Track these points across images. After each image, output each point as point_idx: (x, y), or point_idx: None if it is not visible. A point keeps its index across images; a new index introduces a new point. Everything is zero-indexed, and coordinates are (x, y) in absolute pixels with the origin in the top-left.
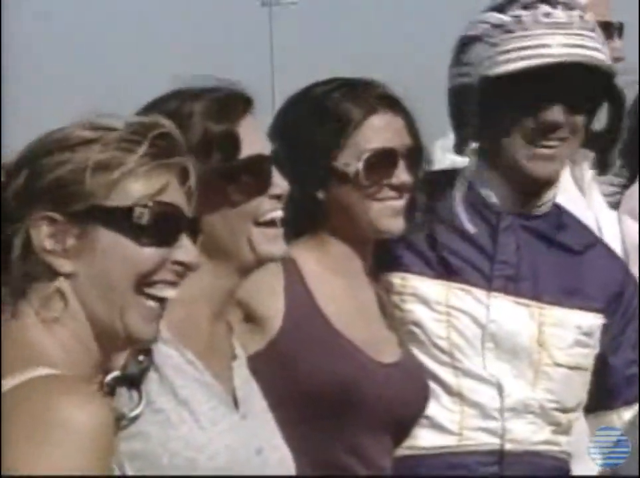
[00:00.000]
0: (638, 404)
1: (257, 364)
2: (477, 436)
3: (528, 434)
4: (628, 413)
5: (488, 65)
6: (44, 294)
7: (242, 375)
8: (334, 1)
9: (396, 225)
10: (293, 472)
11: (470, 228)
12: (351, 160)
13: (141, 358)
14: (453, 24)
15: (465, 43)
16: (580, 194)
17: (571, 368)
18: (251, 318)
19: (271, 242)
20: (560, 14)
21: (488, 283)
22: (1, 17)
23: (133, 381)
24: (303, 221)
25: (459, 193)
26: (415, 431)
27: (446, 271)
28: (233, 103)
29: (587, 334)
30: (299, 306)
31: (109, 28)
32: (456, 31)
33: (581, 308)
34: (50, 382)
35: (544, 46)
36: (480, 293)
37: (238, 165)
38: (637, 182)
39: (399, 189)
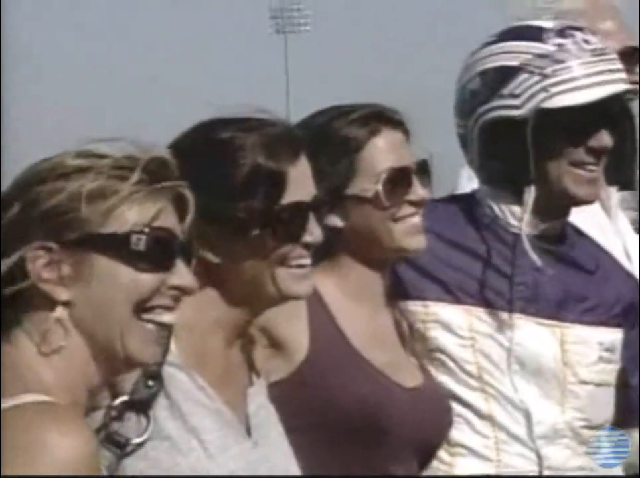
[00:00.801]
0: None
1: (283, 391)
2: (515, 463)
3: (564, 460)
4: None
5: (544, 96)
6: (44, 327)
7: (257, 402)
8: (347, 25)
9: (419, 242)
10: None
11: (536, 259)
12: (367, 185)
13: (150, 383)
14: (469, 49)
15: (504, 74)
16: (607, 218)
17: (596, 385)
18: (275, 344)
19: (297, 282)
20: (593, 40)
21: (509, 305)
22: (1, 17)
23: (142, 406)
24: (321, 248)
25: (525, 227)
26: (453, 461)
27: (466, 295)
28: (287, 141)
29: (610, 350)
30: (323, 331)
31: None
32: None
33: (601, 324)
34: (38, 409)
35: (598, 73)
36: (502, 315)
37: (279, 210)
38: None
39: (418, 205)
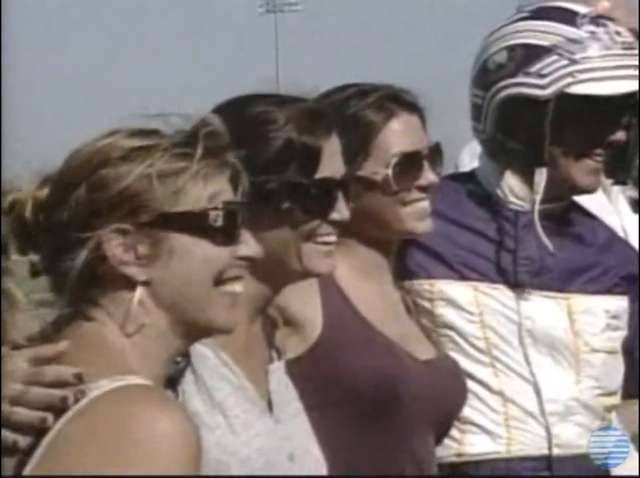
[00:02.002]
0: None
1: (300, 367)
2: (525, 440)
3: (574, 438)
4: None
5: (570, 81)
6: (125, 307)
7: (278, 379)
8: (339, 5)
9: (426, 226)
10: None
11: (548, 244)
12: (378, 168)
13: (178, 358)
14: (468, 30)
15: (533, 52)
16: (606, 198)
17: (607, 352)
18: (290, 322)
19: (322, 259)
20: (625, 33)
21: (514, 280)
22: (1, 17)
23: (170, 381)
24: None
25: (536, 211)
26: (463, 438)
27: (471, 271)
28: (321, 117)
29: (616, 317)
30: (336, 308)
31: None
32: (475, 36)
33: (606, 292)
34: (143, 392)
35: (626, 67)
36: (507, 290)
37: (311, 185)
38: None
39: (426, 189)
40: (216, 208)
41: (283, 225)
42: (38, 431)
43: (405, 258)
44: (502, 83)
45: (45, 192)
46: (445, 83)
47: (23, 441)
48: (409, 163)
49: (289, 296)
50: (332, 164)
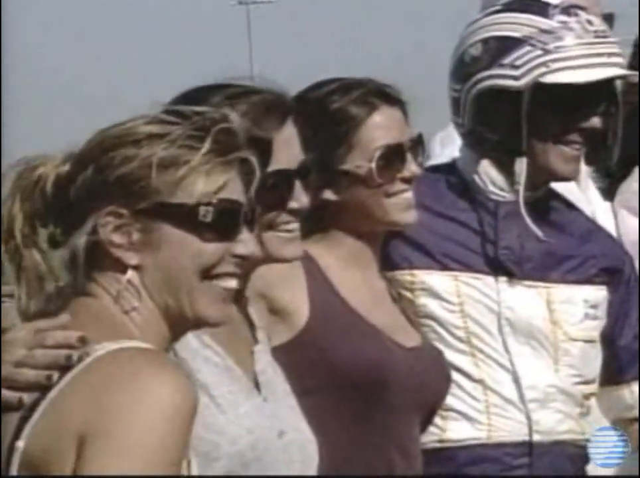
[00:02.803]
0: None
1: (286, 354)
2: (505, 427)
3: (554, 424)
4: (638, 388)
5: (544, 71)
6: (119, 286)
7: (264, 359)
8: None
9: (411, 216)
10: (316, 455)
11: (537, 231)
12: (361, 162)
13: None
14: (440, 18)
15: (507, 44)
16: (577, 186)
17: (585, 341)
18: (275, 310)
19: (285, 245)
20: (597, 21)
21: (495, 270)
22: (1, 17)
23: None
24: (313, 221)
25: (522, 198)
26: (445, 424)
27: (452, 262)
28: (272, 108)
29: (594, 306)
30: (322, 296)
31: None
32: (446, 23)
33: (585, 282)
34: (146, 353)
35: (599, 55)
36: (488, 280)
37: (264, 178)
38: (633, 176)
39: (409, 181)
40: (208, 204)
41: None
42: (43, 389)
43: (387, 249)
44: (478, 76)
45: (66, 168)
46: (422, 74)
47: (28, 397)
48: (392, 156)
49: (276, 284)
50: (286, 154)
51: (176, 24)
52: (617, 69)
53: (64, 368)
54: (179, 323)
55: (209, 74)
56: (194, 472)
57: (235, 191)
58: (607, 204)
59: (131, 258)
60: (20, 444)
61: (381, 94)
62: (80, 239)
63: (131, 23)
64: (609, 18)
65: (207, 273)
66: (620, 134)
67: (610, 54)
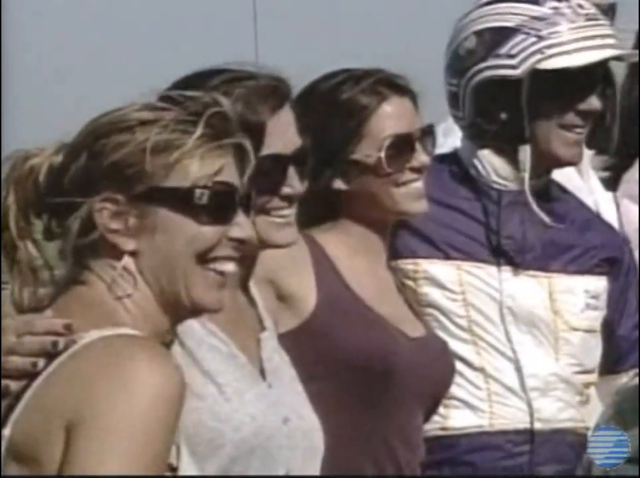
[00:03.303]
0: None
1: (292, 341)
2: (507, 415)
3: (555, 412)
4: (637, 377)
5: (540, 58)
6: (113, 273)
7: (270, 346)
8: None
9: (421, 206)
10: (321, 441)
11: (544, 217)
12: (371, 151)
13: None
14: (445, 11)
15: (501, 34)
16: (580, 178)
17: (585, 331)
18: (283, 297)
19: (278, 230)
20: (587, 5)
21: (497, 259)
22: (1, 17)
23: None
24: (323, 210)
25: (528, 187)
26: (447, 412)
27: (455, 251)
28: (270, 93)
29: (595, 296)
30: (329, 284)
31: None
32: (454, 16)
33: (586, 272)
34: (133, 340)
35: (592, 37)
36: (490, 269)
37: (256, 163)
38: (635, 166)
39: (419, 171)
40: (203, 187)
41: None
42: (30, 377)
43: (391, 238)
44: (475, 68)
45: (60, 158)
46: (432, 66)
47: (14, 385)
48: (402, 145)
49: (284, 271)
50: (281, 139)
51: (181, 16)
52: (611, 50)
53: (51, 355)
54: (176, 310)
55: (214, 66)
56: (184, 458)
57: (230, 175)
58: (609, 195)
59: (128, 244)
60: (6, 432)
61: (391, 84)
62: (73, 225)
63: (135, 15)
64: (611, 9)
65: (204, 257)
66: (618, 115)
67: (603, 36)
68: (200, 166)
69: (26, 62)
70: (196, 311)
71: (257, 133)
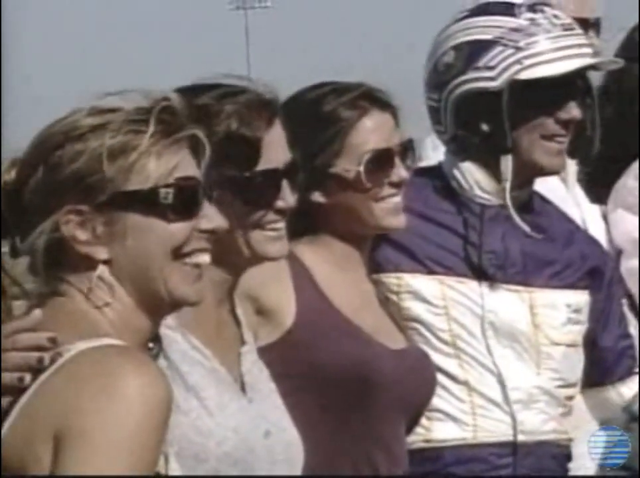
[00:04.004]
0: (633, 379)
1: (272, 354)
2: (490, 428)
3: (539, 424)
4: (625, 388)
5: (518, 68)
6: (87, 285)
7: (250, 360)
8: (307, 1)
9: (400, 221)
10: (301, 455)
11: (527, 229)
12: (350, 165)
13: (151, 345)
14: (431, 23)
15: (479, 47)
16: (565, 189)
17: (568, 345)
18: (262, 311)
19: (271, 244)
20: (562, 15)
21: (479, 273)
22: (1, 16)
23: None
24: (303, 223)
25: (510, 200)
26: (431, 425)
27: (437, 265)
28: (261, 108)
29: (577, 311)
30: (309, 298)
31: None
32: (433, 30)
33: (568, 287)
34: (119, 351)
35: (569, 47)
36: (472, 283)
37: (251, 178)
38: (627, 175)
39: (398, 185)
40: (166, 186)
41: (229, 216)
42: (17, 392)
43: (374, 252)
44: (455, 81)
45: (13, 175)
46: (419, 80)
47: (2, 401)
48: (381, 160)
49: (263, 286)
50: (274, 154)
51: (175, 30)
52: (588, 58)
53: (38, 370)
54: (156, 308)
55: (203, 80)
56: (172, 467)
57: (189, 168)
58: (595, 207)
59: (100, 253)
60: None
61: (372, 98)
62: (39, 240)
63: (129, 28)
64: (597, 23)
65: (178, 253)
66: (598, 123)
67: (580, 45)
68: (159, 165)
69: (26, 62)
70: (176, 304)
71: (254, 147)
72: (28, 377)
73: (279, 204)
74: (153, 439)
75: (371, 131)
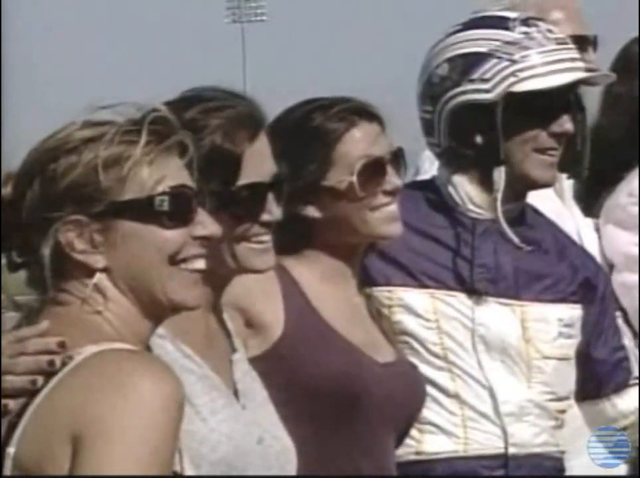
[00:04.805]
0: (628, 391)
1: (260, 366)
2: (482, 440)
3: (530, 437)
4: (619, 400)
5: (513, 81)
6: (82, 294)
7: (242, 368)
8: (304, 15)
9: (396, 229)
10: (294, 461)
11: (519, 243)
12: (342, 176)
13: None
14: (427, 35)
15: (474, 60)
16: (562, 203)
17: (558, 359)
18: (251, 323)
19: (257, 256)
20: (555, 30)
21: (470, 287)
22: (1, 15)
23: None
24: (293, 237)
25: (500, 213)
26: (422, 437)
27: (429, 279)
28: (244, 122)
29: (569, 325)
30: (297, 310)
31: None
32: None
33: (559, 301)
34: (130, 353)
35: (563, 60)
36: (464, 297)
37: (237, 191)
38: (618, 191)
39: (392, 194)
40: (160, 194)
41: None
42: (29, 395)
43: (365, 265)
44: (449, 94)
45: (8, 190)
46: (411, 92)
47: (13, 403)
48: (373, 169)
49: (252, 298)
50: (259, 167)
51: (172, 42)
52: (581, 72)
53: (49, 373)
54: (156, 313)
55: (191, 92)
56: (186, 462)
57: (182, 176)
58: (589, 221)
59: (98, 261)
60: (11, 450)
61: (359, 111)
62: (45, 251)
63: (125, 41)
64: (594, 41)
65: (174, 259)
66: (588, 138)
67: (573, 59)
68: (153, 173)
69: (26, 63)
70: (175, 308)
71: (234, 162)
72: (40, 380)
73: (265, 217)
74: (170, 435)
75: (361, 141)
